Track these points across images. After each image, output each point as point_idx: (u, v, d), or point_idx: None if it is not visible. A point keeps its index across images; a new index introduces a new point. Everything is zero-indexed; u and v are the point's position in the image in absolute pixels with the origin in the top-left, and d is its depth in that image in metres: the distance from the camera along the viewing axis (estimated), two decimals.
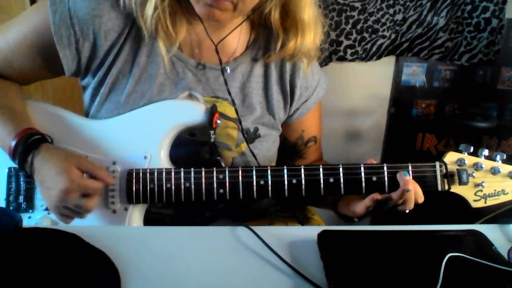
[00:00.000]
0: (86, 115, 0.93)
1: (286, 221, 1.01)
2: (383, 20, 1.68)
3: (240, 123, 0.89)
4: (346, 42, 1.70)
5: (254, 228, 0.73)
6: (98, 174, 0.80)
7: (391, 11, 1.68)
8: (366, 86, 1.84)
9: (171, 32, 0.83)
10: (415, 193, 0.78)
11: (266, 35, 0.93)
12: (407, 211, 0.79)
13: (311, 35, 0.88)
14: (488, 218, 1.16)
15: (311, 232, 0.72)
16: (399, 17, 1.68)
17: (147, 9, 0.80)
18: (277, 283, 0.64)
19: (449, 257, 0.65)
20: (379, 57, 1.75)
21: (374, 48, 1.72)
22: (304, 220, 1.04)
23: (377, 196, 0.79)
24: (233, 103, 0.89)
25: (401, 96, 1.86)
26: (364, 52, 1.72)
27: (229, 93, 0.88)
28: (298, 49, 0.88)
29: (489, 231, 0.75)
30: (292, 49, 0.88)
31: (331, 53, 1.70)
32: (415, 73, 1.83)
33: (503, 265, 0.65)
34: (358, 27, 1.68)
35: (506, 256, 0.69)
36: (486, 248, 0.70)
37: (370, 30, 1.69)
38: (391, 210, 0.81)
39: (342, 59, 1.72)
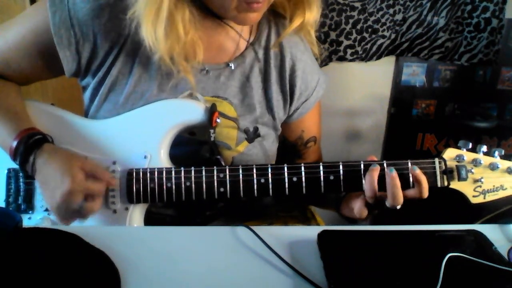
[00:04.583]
0: (86, 115, 0.93)
1: (286, 221, 1.01)
2: (383, 20, 1.68)
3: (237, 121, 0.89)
4: (346, 42, 1.70)
5: (254, 228, 0.73)
6: (101, 176, 0.79)
7: (391, 11, 1.68)
8: (366, 86, 1.84)
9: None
10: (421, 189, 0.78)
11: (268, 28, 0.93)
12: (398, 207, 0.79)
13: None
14: (488, 218, 1.16)
15: (311, 232, 0.72)
16: (399, 17, 1.69)
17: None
18: (277, 283, 0.64)
19: (449, 257, 0.65)
20: (379, 57, 1.75)
21: (374, 48, 1.73)
22: (304, 220, 1.04)
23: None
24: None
25: (401, 96, 1.86)
26: (364, 52, 1.72)
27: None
28: (306, 21, 0.89)
29: (489, 231, 0.75)
30: (300, 23, 0.89)
31: (331, 53, 1.70)
32: (415, 73, 1.83)
33: (503, 265, 0.66)
34: (358, 27, 1.68)
35: (506, 256, 0.69)
36: (486, 248, 0.70)
37: (370, 30, 1.69)
38: (382, 208, 0.81)
39: (342, 59, 1.72)
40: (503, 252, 0.70)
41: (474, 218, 1.13)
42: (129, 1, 0.80)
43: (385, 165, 0.80)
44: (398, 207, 0.79)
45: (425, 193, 0.79)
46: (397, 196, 0.77)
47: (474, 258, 0.66)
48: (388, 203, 0.79)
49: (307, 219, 1.05)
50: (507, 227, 0.78)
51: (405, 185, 0.79)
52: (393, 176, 0.78)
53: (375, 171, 0.79)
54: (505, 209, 1.09)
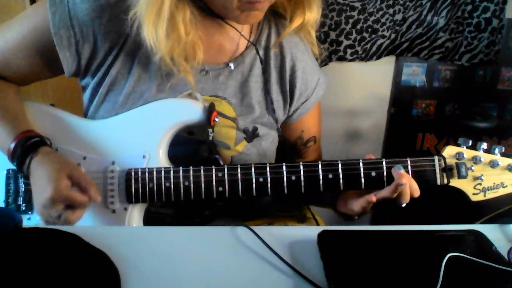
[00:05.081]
0: (85, 115, 0.93)
1: (286, 221, 1.01)
2: (383, 20, 1.68)
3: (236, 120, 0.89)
4: (346, 42, 1.70)
5: (254, 228, 0.73)
6: (87, 188, 0.78)
7: (390, 11, 1.67)
8: (366, 86, 1.84)
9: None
10: (410, 187, 0.78)
11: (268, 28, 0.93)
12: (403, 205, 0.79)
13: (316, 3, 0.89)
14: (488, 218, 1.16)
15: (311, 232, 0.72)
16: (399, 17, 1.68)
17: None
18: (277, 283, 0.64)
19: (449, 257, 0.65)
20: (379, 57, 1.75)
21: (374, 48, 1.72)
22: (304, 220, 1.04)
23: (372, 199, 0.79)
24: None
25: (401, 96, 1.86)
26: (364, 52, 1.72)
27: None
28: (306, 20, 0.89)
29: (489, 231, 0.75)
30: (300, 23, 0.89)
31: (331, 53, 1.70)
32: (415, 73, 1.83)
33: (503, 265, 0.65)
34: (358, 27, 1.68)
35: (506, 256, 0.69)
36: (486, 248, 0.70)
37: (370, 30, 1.69)
38: (387, 205, 0.81)
39: (342, 59, 1.72)
40: (503, 252, 0.70)
41: (474, 218, 1.13)
42: (130, 1, 0.80)
43: (384, 163, 0.80)
44: (404, 204, 0.79)
45: (415, 193, 0.79)
46: (405, 194, 0.78)
47: (474, 258, 0.66)
48: (395, 201, 0.79)
49: (307, 219, 1.05)
50: (507, 227, 0.78)
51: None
52: (400, 174, 0.78)
53: (405, 175, 0.79)
54: (505, 209, 1.09)
